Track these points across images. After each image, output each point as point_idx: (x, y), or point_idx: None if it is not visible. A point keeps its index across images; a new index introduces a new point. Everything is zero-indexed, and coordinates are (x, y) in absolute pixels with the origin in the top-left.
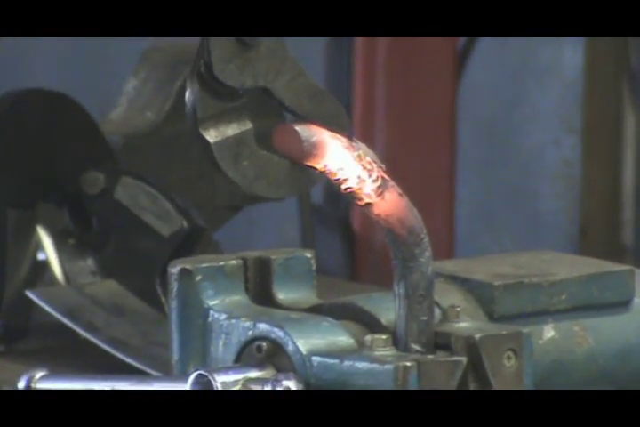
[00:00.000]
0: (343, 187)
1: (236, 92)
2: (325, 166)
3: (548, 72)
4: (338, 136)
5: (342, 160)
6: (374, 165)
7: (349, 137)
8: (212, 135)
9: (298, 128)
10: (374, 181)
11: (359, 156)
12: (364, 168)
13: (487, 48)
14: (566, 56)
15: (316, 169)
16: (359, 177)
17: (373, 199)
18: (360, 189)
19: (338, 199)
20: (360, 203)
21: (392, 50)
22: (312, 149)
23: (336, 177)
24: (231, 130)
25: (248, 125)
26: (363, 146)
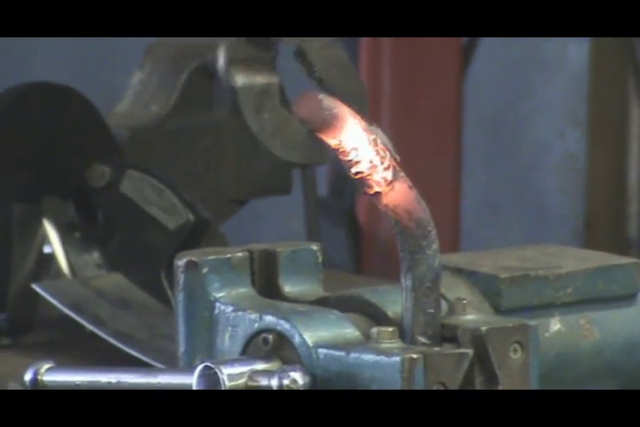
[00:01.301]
0: (353, 170)
1: (270, 43)
2: (340, 143)
3: (553, 66)
4: (358, 116)
5: (358, 140)
6: (388, 153)
7: (368, 120)
8: (239, 80)
9: (322, 96)
10: (386, 168)
11: (375, 140)
12: (378, 154)
13: (492, 42)
14: (571, 50)
15: (330, 144)
16: (371, 162)
17: (383, 188)
18: (370, 174)
19: (343, 192)
20: (369, 191)
21: (397, 45)
22: (332, 120)
23: (348, 158)
24: (259, 78)
25: (275, 79)
26: (380, 132)
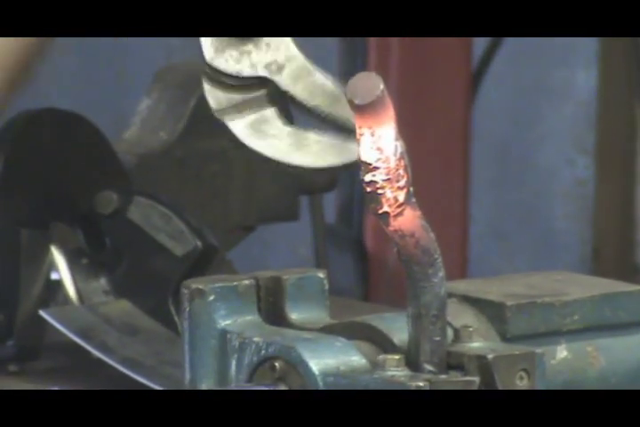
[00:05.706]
0: (368, 178)
1: (249, 83)
2: (372, 134)
3: (562, 93)
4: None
5: (387, 143)
6: (407, 175)
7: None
8: (231, 118)
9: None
10: (400, 188)
11: (402, 155)
12: (398, 169)
13: (501, 69)
14: (579, 76)
15: (360, 132)
16: (389, 174)
17: (392, 209)
18: (383, 188)
19: (351, 219)
20: (377, 209)
21: (404, 70)
22: (379, 103)
23: (368, 159)
24: (253, 112)
25: (269, 108)
26: (407, 156)
